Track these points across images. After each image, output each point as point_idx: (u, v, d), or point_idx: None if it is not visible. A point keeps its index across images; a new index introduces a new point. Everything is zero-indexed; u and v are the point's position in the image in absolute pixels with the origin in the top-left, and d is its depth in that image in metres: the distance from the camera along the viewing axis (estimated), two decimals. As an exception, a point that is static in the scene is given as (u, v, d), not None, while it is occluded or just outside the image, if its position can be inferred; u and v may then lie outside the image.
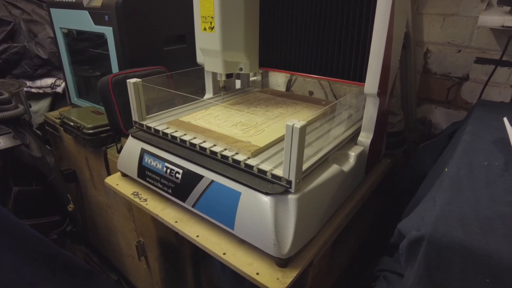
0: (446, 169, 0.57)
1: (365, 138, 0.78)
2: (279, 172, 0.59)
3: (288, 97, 1.02)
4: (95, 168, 1.23)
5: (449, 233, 0.43)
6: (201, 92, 1.06)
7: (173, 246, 0.99)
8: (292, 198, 0.58)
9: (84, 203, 1.45)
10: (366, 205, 0.85)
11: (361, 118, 0.78)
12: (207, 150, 0.69)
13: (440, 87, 1.03)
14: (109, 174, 1.13)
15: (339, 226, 0.71)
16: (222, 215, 0.64)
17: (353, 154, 0.75)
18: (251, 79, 1.20)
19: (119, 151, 1.06)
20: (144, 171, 0.78)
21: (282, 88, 1.32)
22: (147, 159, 0.77)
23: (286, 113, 0.88)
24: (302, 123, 0.53)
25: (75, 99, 1.38)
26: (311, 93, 1.27)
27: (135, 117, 0.83)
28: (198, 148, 0.70)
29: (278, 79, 1.31)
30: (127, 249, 1.30)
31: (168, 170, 0.72)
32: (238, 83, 1.16)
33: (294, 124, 0.53)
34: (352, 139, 0.79)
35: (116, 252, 1.42)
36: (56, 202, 1.09)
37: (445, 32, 0.97)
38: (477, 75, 0.96)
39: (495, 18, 0.77)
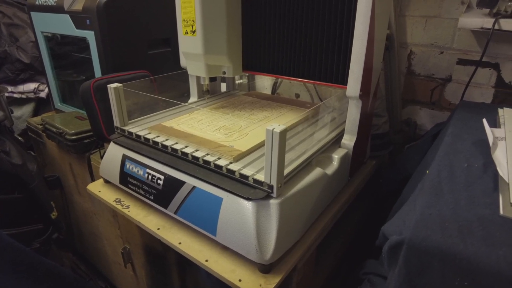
0: (427, 171, 0.57)
1: (349, 140, 0.77)
2: (261, 177, 0.59)
3: (274, 100, 1.01)
4: (79, 174, 1.20)
5: (428, 237, 0.43)
6: (187, 95, 1.05)
7: (159, 252, 0.98)
8: (274, 203, 0.57)
9: (69, 209, 1.43)
10: (352, 207, 0.85)
11: (345, 121, 0.78)
12: (189, 156, 0.68)
13: (424, 88, 1.04)
14: (93, 180, 1.11)
15: (324, 230, 0.71)
16: (204, 222, 0.63)
17: (336, 157, 0.75)
18: (237, 82, 1.19)
19: (102, 157, 1.05)
20: (126, 178, 0.77)
21: (268, 90, 1.31)
22: (129, 165, 0.76)
23: (270, 116, 0.88)
24: (282, 127, 0.53)
25: (59, 104, 1.36)
26: (297, 95, 1.27)
27: (116, 122, 0.81)
28: (180, 153, 0.69)
29: (265, 82, 1.30)
30: (114, 256, 1.28)
31: (150, 176, 0.71)
32: (223, 86, 1.15)
33: (274, 128, 0.52)
34: (336, 142, 0.79)
35: (103, 259, 1.40)
36: (38, 210, 1.06)
37: (428, 34, 0.98)
38: (459, 76, 0.97)
39: (475, 20, 0.77)
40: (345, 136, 0.78)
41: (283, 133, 0.52)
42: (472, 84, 0.93)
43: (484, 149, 0.57)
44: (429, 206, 0.47)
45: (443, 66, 0.98)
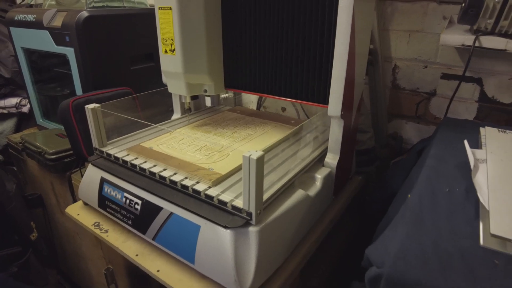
0: (409, 196, 0.56)
1: (332, 159, 0.76)
2: (239, 203, 0.57)
3: (258, 116, 1.00)
4: (61, 193, 1.17)
5: (408, 271, 0.41)
6: (171, 110, 1.03)
7: (142, 274, 0.95)
8: (252, 230, 0.55)
9: (52, 228, 1.39)
10: (338, 226, 0.83)
11: (328, 139, 0.76)
12: (167, 180, 0.66)
13: (410, 103, 1.03)
14: (74, 200, 1.08)
15: (307, 253, 0.69)
16: (182, 249, 0.61)
17: (319, 176, 0.73)
18: (222, 96, 1.17)
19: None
20: (104, 201, 0.74)
21: (254, 104, 1.30)
22: (107, 189, 0.73)
23: (254, 134, 0.86)
24: (259, 153, 0.51)
25: (41, 120, 1.33)
26: (283, 109, 1.26)
27: (95, 143, 0.79)
28: (157, 177, 0.67)
29: (251, 96, 1.29)
30: (98, 276, 1.24)
31: (128, 201, 0.69)
32: (208, 101, 1.14)
33: (250, 155, 0.50)
34: (320, 160, 0.78)
35: (87, 280, 1.36)
36: (16, 232, 1.03)
37: (412, 48, 0.98)
38: (443, 91, 0.96)
39: (456, 37, 0.77)
40: (328, 155, 0.77)
41: (260, 160, 0.51)
42: (456, 98, 0.92)
43: (466, 173, 0.56)
44: (410, 236, 0.46)
45: (428, 80, 0.98)
